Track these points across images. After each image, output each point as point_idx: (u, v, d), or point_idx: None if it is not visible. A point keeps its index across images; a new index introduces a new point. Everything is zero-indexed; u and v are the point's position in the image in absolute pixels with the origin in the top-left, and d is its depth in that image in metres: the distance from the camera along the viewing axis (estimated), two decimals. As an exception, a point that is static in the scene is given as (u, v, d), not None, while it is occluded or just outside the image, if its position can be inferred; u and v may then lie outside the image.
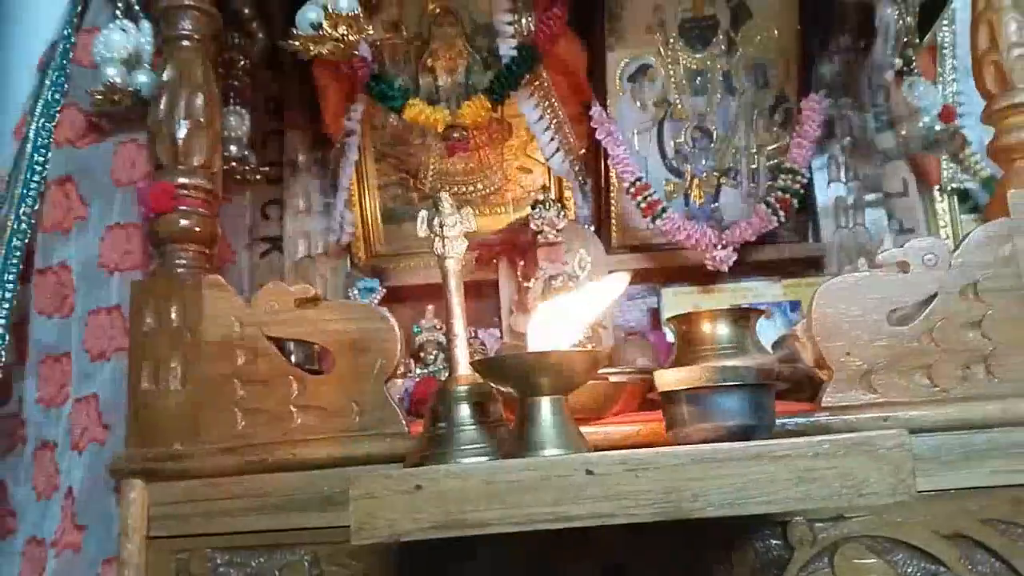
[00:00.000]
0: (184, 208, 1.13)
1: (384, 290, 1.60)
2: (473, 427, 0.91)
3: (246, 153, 1.54)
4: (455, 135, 1.51)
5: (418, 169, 1.70)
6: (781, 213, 1.51)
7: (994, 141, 1.13)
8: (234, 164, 1.52)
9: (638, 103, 1.61)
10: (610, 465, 0.74)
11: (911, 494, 0.72)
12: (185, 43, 1.19)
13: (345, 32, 1.09)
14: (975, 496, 1.00)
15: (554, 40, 1.50)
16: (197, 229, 1.15)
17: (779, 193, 1.51)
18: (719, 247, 1.51)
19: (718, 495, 0.73)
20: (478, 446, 0.90)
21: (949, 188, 1.67)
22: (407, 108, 1.50)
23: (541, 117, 1.58)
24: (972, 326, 1.03)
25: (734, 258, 1.52)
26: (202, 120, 1.17)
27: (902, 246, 1.06)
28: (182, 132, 1.15)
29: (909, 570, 1.00)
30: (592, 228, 1.68)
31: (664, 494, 0.73)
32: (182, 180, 1.15)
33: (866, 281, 1.05)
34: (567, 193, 1.69)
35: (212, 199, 1.18)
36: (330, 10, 1.07)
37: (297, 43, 1.11)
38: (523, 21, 1.52)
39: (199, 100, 1.17)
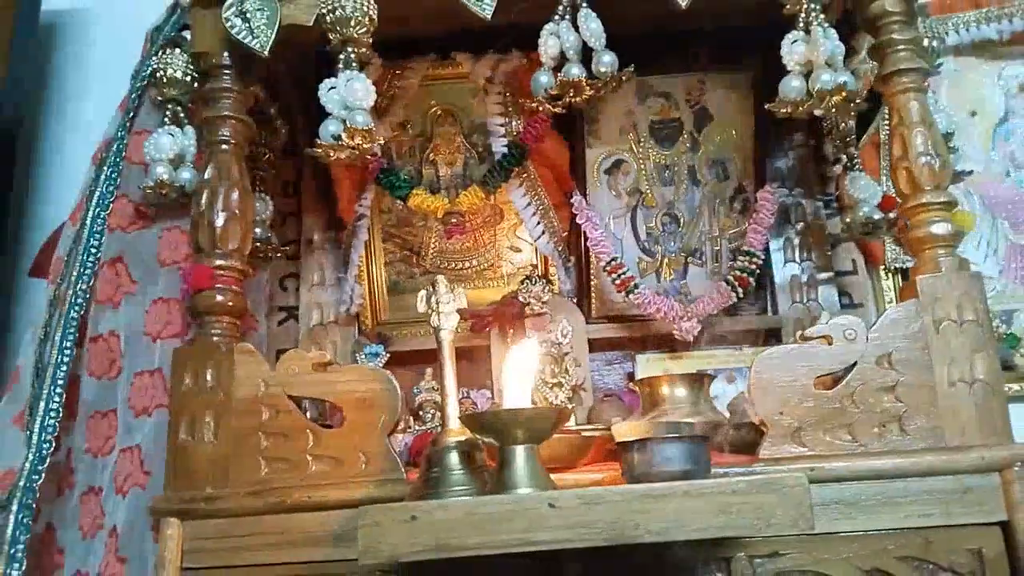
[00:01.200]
0: (220, 286, 1.33)
1: (388, 354, 1.78)
2: (461, 471, 1.09)
3: (268, 235, 1.75)
4: (453, 220, 1.72)
5: (420, 247, 1.91)
6: (740, 290, 1.70)
7: (907, 234, 1.33)
8: (258, 244, 1.72)
9: (614, 192, 1.83)
10: (568, 500, 0.92)
11: (810, 526, 0.90)
12: (224, 147, 1.40)
13: (360, 142, 1.30)
14: (891, 537, 1.16)
15: (540, 139, 1.72)
16: (230, 303, 1.34)
17: (737, 272, 1.71)
18: (685, 319, 1.70)
19: (655, 524, 0.90)
20: (464, 487, 1.07)
21: (893, 267, 1.87)
22: (411, 197, 1.72)
23: (529, 204, 1.79)
24: (887, 391, 1.21)
25: (698, 329, 1.70)
26: (237, 212, 1.37)
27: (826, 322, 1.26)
28: (220, 221, 1.35)
29: (835, 601, 1.16)
30: (575, 301, 1.88)
31: (612, 523, 0.91)
32: (219, 262, 1.34)
33: (796, 352, 1.24)
34: (552, 270, 1.88)
35: (243, 278, 1.38)
36: (348, 125, 1.29)
37: (319, 151, 1.32)
38: (513, 123, 1.75)
39: (235, 195, 1.38)
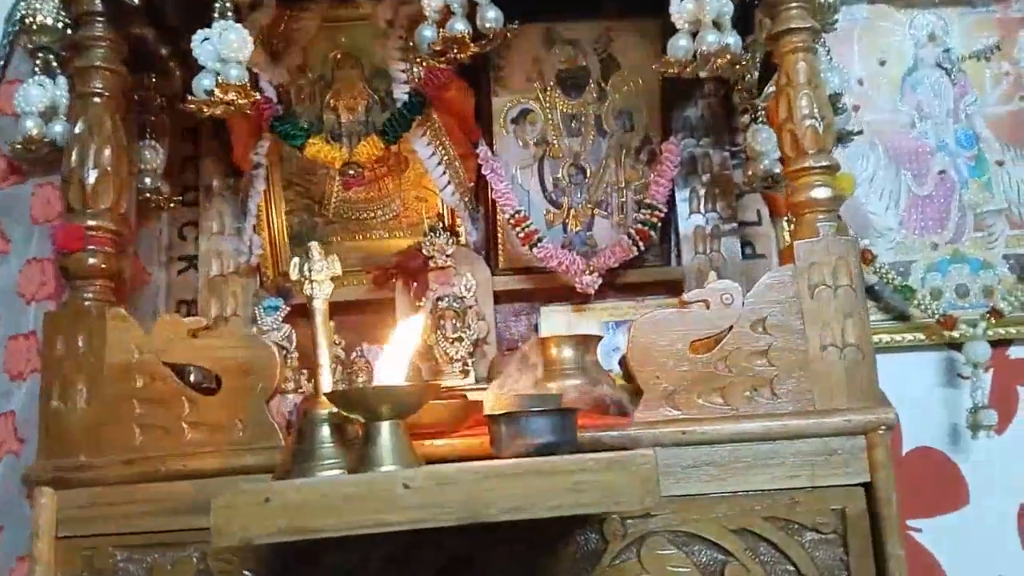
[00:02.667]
0: (92, 247, 1.28)
1: (288, 308, 1.73)
2: (331, 445, 1.09)
3: (159, 184, 1.68)
4: (351, 172, 1.67)
5: (322, 197, 1.86)
6: (641, 243, 1.70)
7: (788, 197, 1.33)
8: (148, 195, 1.66)
9: (520, 143, 1.80)
10: (423, 480, 0.92)
11: (656, 502, 0.92)
12: (96, 99, 1.33)
13: (234, 98, 1.25)
14: (759, 497, 1.20)
15: (442, 88, 1.66)
16: (103, 266, 1.30)
17: (639, 225, 1.71)
18: (586, 273, 1.70)
19: (507, 502, 0.91)
20: (334, 461, 1.07)
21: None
22: (307, 146, 1.65)
23: (433, 154, 1.74)
24: (760, 355, 1.23)
25: (599, 283, 1.70)
26: (109, 169, 1.31)
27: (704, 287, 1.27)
28: (91, 179, 1.30)
29: (704, 559, 1.20)
30: (482, 252, 1.86)
31: (464, 502, 0.91)
32: (91, 222, 1.29)
33: (673, 316, 1.25)
34: (459, 221, 1.86)
35: (118, 238, 1.33)
36: (221, 80, 1.23)
37: (193, 106, 1.26)
38: (415, 69, 1.68)
39: (107, 151, 1.32)
